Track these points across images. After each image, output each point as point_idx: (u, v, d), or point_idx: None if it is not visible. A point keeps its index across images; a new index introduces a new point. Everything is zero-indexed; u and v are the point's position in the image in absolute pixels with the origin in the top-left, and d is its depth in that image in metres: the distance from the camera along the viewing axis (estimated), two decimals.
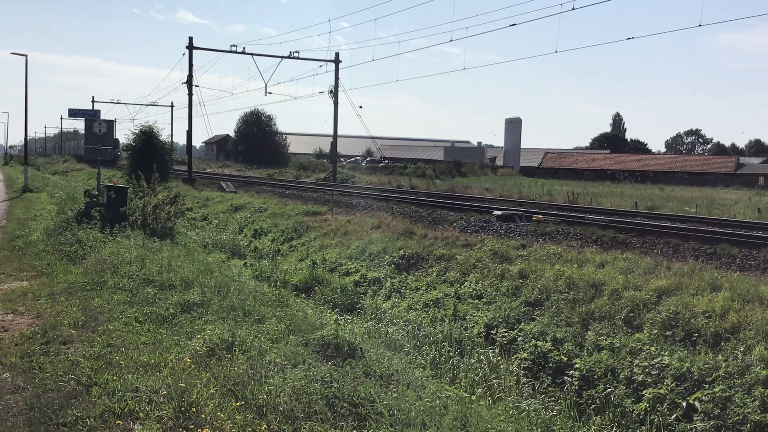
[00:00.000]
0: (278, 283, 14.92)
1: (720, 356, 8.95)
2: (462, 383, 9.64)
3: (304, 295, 14.64)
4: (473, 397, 8.17)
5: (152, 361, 7.25)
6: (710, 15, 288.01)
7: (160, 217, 18.55)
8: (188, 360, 7.12)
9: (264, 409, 6.00)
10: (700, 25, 18.29)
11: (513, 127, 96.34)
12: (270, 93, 41.52)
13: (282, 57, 44.46)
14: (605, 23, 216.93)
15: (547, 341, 10.90)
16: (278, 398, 6.15)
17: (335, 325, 9.03)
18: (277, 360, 7.16)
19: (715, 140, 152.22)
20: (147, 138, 36.54)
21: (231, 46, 44.15)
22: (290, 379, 6.51)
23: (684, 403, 8.49)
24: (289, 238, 21.33)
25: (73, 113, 30.86)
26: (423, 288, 14.43)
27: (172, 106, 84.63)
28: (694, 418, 8.28)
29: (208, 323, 8.66)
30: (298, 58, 44.60)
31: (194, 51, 43.50)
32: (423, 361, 10.37)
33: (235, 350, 7.50)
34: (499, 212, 20.29)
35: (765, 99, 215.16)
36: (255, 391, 6.30)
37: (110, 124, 22.50)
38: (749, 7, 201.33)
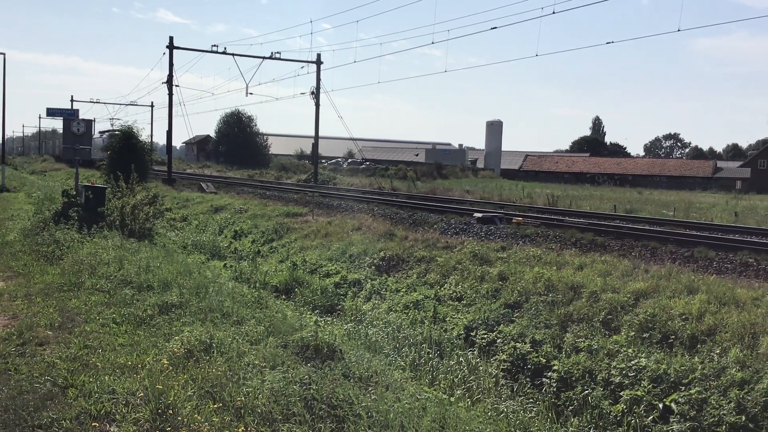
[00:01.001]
0: (258, 285, 14.89)
1: (696, 358, 9.05)
2: (441, 385, 9.65)
3: (284, 296, 14.61)
4: (452, 399, 8.18)
5: (129, 362, 7.20)
6: (688, 20, 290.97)
7: (139, 218, 18.41)
8: (166, 362, 7.07)
9: (242, 411, 5.98)
10: (678, 30, 18.54)
11: (494, 129, 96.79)
12: (251, 93, 41.43)
13: (263, 57, 44.32)
14: (585, 27, 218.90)
15: (526, 343, 10.96)
16: (256, 400, 6.13)
17: (315, 326, 9.01)
18: (256, 362, 7.13)
19: (693, 144, 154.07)
20: (126, 138, 36.26)
21: (212, 46, 43.92)
22: (269, 381, 6.49)
23: (660, 405, 8.57)
24: (270, 239, 21.26)
25: (51, 112, 30.55)
26: (403, 290, 14.45)
27: (152, 106, 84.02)
28: (671, 420, 8.36)
29: (186, 325, 8.60)
30: (279, 59, 44.50)
31: (174, 50, 43.25)
32: (403, 363, 10.37)
33: (213, 352, 7.46)
34: (480, 214, 20.37)
35: (742, 103, 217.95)
36: (233, 393, 6.27)
37: (89, 123, 22.31)
38: (727, 12, 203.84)
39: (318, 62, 45.68)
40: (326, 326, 10.32)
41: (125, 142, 35.97)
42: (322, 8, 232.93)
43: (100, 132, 67.68)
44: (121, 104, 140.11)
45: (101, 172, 37.47)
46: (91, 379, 6.61)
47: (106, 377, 6.65)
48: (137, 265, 12.43)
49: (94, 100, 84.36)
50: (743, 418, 7.89)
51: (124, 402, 6.07)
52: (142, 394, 6.20)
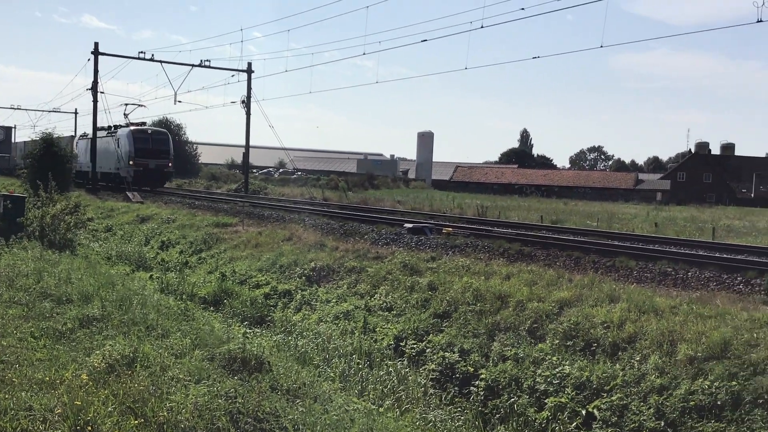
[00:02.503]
0: (185, 296, 14.59)
1: (617, 365, 9.32)
2: (370, 395, 9.66)
3: (212, 308, 14.36)
4: (381, 410, 8.21)
5: (48, 378, 6.94)
6: (611, 37, 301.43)
7: (60, 228, 17.83)
8: (86, 377, 6.85)
9: (165, 426, 5.84)
10: (601, 47, 19.18)
11: (425, 140, 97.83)
12: (180, 102, 40.90)
13: (192, 65, 43.62)
14: (513, 42, 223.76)
15: (454, 352, 11.08)
16: (180, 415, 5.99)
17: (243, 338, 8.91)
18: (180, 375, 6.99)
19: (616, 157, 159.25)
20: (47, 145, 35.07)
21: (139, 52, 42.95)
22: (193, 395, 6.36)
23: (583, 411, 8.79)
24: (198, 250, 20.88)
25: None
26: (334, 300, 14.41)
27: (75, 113, 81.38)
28: (593, 426, 8.59)
29: (108, 338, 8.36)
30: (209, 66, 43.86)
31: (100, 56, 42.21)
32: (332, 374, 10.35)
33: (136, 366, 7.27)
34: (410, 225, 20.51)
35: (663, 117, 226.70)
36: (155, 408, 6.12)
37: (8, 130, 21.54)
38: (648, 29, 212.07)
39: (249, 71, 45.28)
40: (255, 338, 10.21)
41: (46, 149, 34.79)
42: (252, 17, 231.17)
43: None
44: (43, 111, 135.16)
45: (21, 180, 36.14)
46: (6, 396, 6.34)
47: (23, 393, 6.39)
48: (57, 277, 12.03)
49: (15, 107, 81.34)
50: (662, 423, 8.16)
51: (41, 419, 5.84)
52: (60, 410, 5.98)
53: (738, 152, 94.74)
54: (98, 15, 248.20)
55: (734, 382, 8.14)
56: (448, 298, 12.63)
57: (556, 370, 9.61)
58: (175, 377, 6.95)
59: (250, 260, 18.10)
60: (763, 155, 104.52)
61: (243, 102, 45.16)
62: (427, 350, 11.47)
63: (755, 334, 8.84)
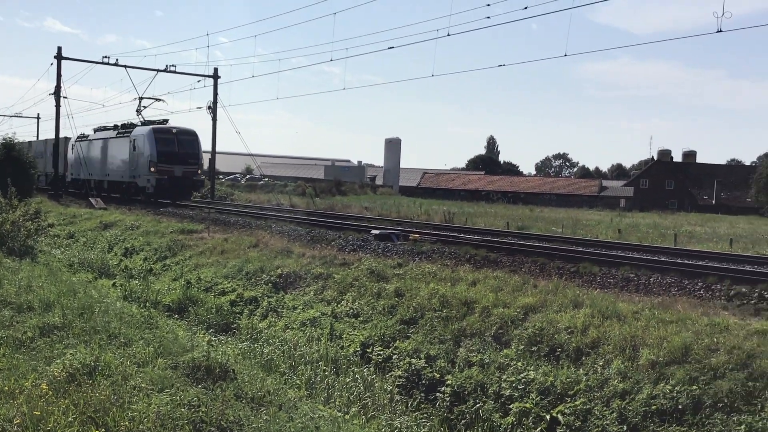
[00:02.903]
0: (149, 304, 14.42)
1: (581, 370, 9.43)
2: (337, 402, 9.64)
3: (177, 315, 14.21)
4: (347, 417, 8.19)
5: (6, 388, 6.79)
6: (575, 46, 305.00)
7: (20, 235, 17.49)
8: (45, 387, 6.71)
9: None
10: (565, 55, 19.26)
11: (392, 147, 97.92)
12: (145, 107, 39.97)
13: (157, 70, 43.13)
14: (480, 50, 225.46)
15: (420, 359, 11.10)
16: (142, 425, 5.91)
17: (207, 346, 8.82)
18: (143, 385, 6.89)
19: (580, 164, 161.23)
20: (7, 150, 34.41)
21: (103, 57, 42.34)
22: (155, 405, 6.28)
23: (548, 416, 8.87)
24: (163, 256, 20.64)
25: None
26: (300, 307, 14.35)
27: (38, 118, 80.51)
28: (558, 431, 8.66)
29: (69, 347, 8.21)
30: (174, 72, 43.45)
31: (63, 61, 41.53)
32: (298, 382, 10.30)
33: (97, 375, 7.15)
34: (377, 231, 20.52)
35: (626, 125, 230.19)
36: (117, 418, 6.03)
37: None
38: (611, 39, 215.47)
39: (215, 76, 44.96)
40: (220, 346, 10.12)
41: (6, 154, 34.12)
42: (219, 22, 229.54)
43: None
44: (4, 116, 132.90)
45: None
46: None
47: None
48: (17, 284, 11.80)
49: None
50: (625, 427, 8.28)
51: (0, 429, 5.73)
52: (19, 420, 5.86)
53: (699, 159, 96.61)
54: (62, 19, 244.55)
55: (695, 386, 8.29)
56: (414, 304, 12.66)
57: (521, 375, 9.69)
58: (137, 386, 6.86)
59: (216, 267, 17.95)
60: (724, 162, 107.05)
61: (209, 107, 44.78)
62: (394, 357, 11.48)
63: (715, 339, 9.01)
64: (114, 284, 17.19)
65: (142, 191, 35.01)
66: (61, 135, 44.07)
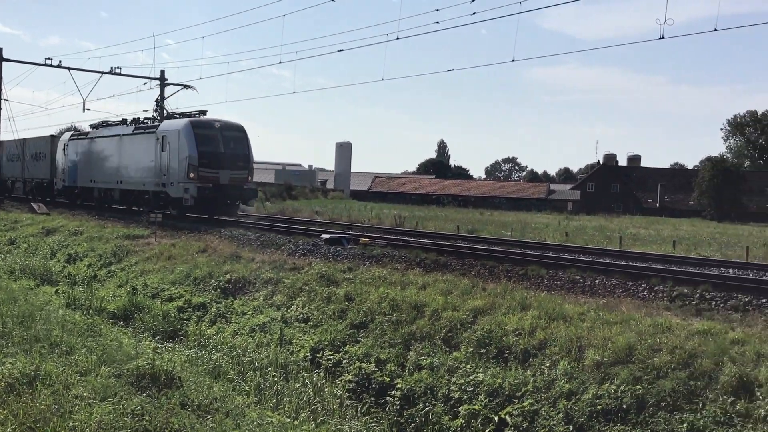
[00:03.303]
0: (93, 312, 14.09)
1: (529, 372, 9.54)
2: (286, 408, 9.56)
3: (122, 323, 13.93)
4: (296, 422, 8.12)
5: None
6: (523, 51, 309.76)
7: None
8: None
9: None
10: (513, 60, 19.71)
11: (343, 151, 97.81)
12: (89, 110, 38.86)
13: (102, 72, 42.15)
14: (429, 55, 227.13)
15: (371, 363, 11.09)
16: None
17: (153, 354, 8.65)
18: (85, 394, 6.73)
19: (529, 168, 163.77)
20: None
21: (46, 58, 41.28)
22: (97, 414, 6.14)
23: (496, 418, 8.95)
24: (108, 263, 20.20)
25: None
26: (249, 312, 14.20)
27: None
28: None
29: (9, 356, 7.98)
30: (120, 74, 42.57)
31: (4, 63, 40.40)
32: (247, 388, 10.18)
33: (37, 385, 6.96)
34: (328, 235, 20.45)
35: (574, 129, 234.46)
36: (58, 428, 5.87)
37: None
38: (558, 44, 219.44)
39: (162, 78, 44.22)
40: (166, 353, 9.93)
41: None
42: (165, 23, 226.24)
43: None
44: None
45: None
46: None
47: None
48: None
49: None
50: (571, 427, 8.41)
51: None
52: None
53: (644, 163, 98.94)
54: (2, 20, 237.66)
55: (638, 386, 8.47)
56: (364, 308, 12.65)
57: (470, 377, 9.76)
58: (79, 395, 6.69)
59: (163, 273, 17.64)
60: (668, 166, 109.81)
61: (156, 111, 44.04)
62: (344, 361, 11.45)
63: (658, 339, 9.22)
64: (57, 291, 16.75)
65: (177, 203, 27.15)
66: (46, 134, 41.96)
